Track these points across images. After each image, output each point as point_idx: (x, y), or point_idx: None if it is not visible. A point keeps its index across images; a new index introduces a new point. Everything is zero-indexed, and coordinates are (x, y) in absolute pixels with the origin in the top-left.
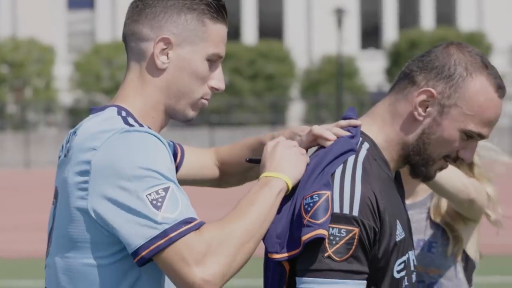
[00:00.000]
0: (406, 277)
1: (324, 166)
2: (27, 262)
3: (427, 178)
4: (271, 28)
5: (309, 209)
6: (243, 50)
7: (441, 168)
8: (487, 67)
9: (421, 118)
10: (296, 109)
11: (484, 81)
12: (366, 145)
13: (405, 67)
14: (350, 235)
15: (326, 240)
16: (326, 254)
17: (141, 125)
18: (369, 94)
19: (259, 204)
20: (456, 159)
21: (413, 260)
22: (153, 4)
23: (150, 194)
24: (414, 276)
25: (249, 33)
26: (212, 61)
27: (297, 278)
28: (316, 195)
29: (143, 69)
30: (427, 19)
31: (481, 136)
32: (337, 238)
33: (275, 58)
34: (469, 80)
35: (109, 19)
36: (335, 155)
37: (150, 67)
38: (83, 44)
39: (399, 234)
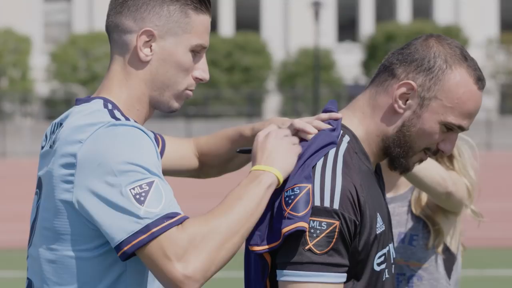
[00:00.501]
0: (386, 270)
1: (305, 159)
2: (7, 253)
3: (406, 169)
4: (248, 20)
5: (290, 201)
6: (220, 42)
7: (420, 160)
8: (466, 59)
9: (401, 111)
10: (272, 102)
11: (463, 73)
12: (346, 138)
13: (385, 60)
14: (331, 228)
15: (307, 233)
16: (306, 247)
17: (127, 119)
18: (346, 87)
19: (247, 198)
20: (436, 152)
21: (393, 253)
22: None
23: (133, 189)
24: (393, 268)
25: (226, 25)
26: (196, 52)
27: (277, 271)
28: (297, 187)
29: (127, 62)
30: (404, 12)
31: (461, 128)
32: (318, 231)
33: (251, 50)
34: (448, 72)
35: (86, 10)
36: (316, 148)
37: (133, 59)
38: (60, 34)
39: (380, 227)
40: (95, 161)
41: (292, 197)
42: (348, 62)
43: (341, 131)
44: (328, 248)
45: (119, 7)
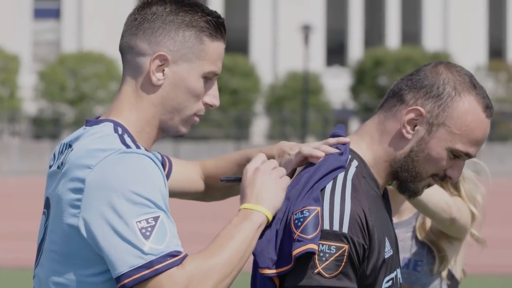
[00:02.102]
0: None
1: (314, 182)
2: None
3: (415, 194)
4: (236, 42)
5: (299, 224)
6: None
7: (428, 185)
8: (475, 87)
9: (409, 136)
10: (260, 125)
11: (472, 101)
12: (355, 163)
13: (394, 86)
14: (340, 251)
15: (316, 257)
16: (316, 271)
17: (137, 147)
18: (334, 111)
19: (239, 238)
20: (443, 178)
21: (400, 278)
22: (151, 19)
23: (140, 222)
24: None
25: None
26: (208, 78)
27: None
28: (306, 210)
29: (139, 84)
30: (393, 38)
31: (469, 156)
32: (327, 255)
33: (240, 72)
34: (457, 99)
35: (75, 30)
36: (325, 171)
37: (145, 82)
38: (48, 54)
39: (388, 251)
40: (103, 188)
41: (302, 219)
42: (336, 86)
43: (350, 156)
44: (337, 272)
45: (134, 29)
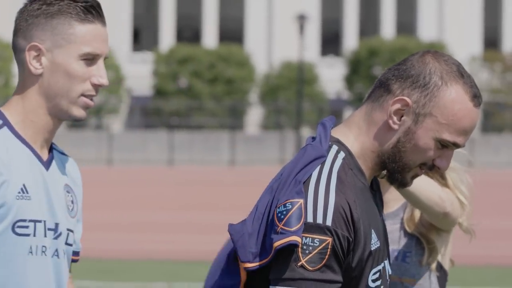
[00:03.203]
0: (382, 286)
1: (295, 173)
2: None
3: (403, 184)
4: (231, 32)
5: (282, 217)
6: (203, 54)
7: (415, 175)
8: (463, 76)
9: (396, 127)
10: (255, 114)
11: (459, 90)
12: (342, 154)
13: (381, 76)
14: (323, 244)
15: (299, 249)
16: (299, 264)
17: None
18: (328, 101)
19: None
20: (431, 168)
21: (388, 270)
22: (25, 17)
23: None
24: (388, 285)
25: (209, 37)
26: (88, 59)
27: (270, 287)
28: (289, 203)
29: (24, 76)
30: (388, 28)
31: (457, 145)
32: (310, 248)
33: (235, 62)
34: (444, 89)
35: None
36: (305, 163)
37: (28, 74)
38: None
39: (374, 243)
40: None
41: (285, 212)
42: (331, 76)
43: (337, 147)
44: (321, 265)
45: (15, 31)
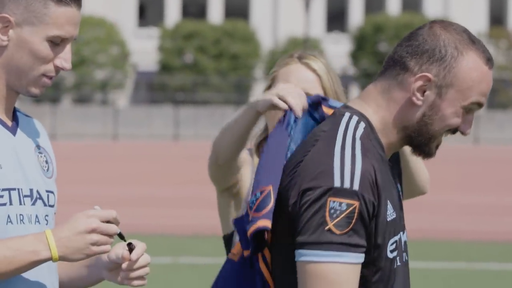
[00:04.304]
0: (398, 257)
1: (262, 163)
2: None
3: (429, 155)
4: (237, 7)
5: (252, 205)
6: (209, 29)
7: (439, 144)
8: (474, 42)
9: (419, 103)
10: (260, 90)
11: (474, 57)
12: (362, 124)
13: (393, 53)
14: (351, 208)
15: (327, 213)
16: (326, 227)
17: None
18: None
19: (11, 261)
20: (455, 131)
21: (405, 242)
22: None
23: None
24: (405, 256)
25: (215, 12)
26: (55, 42)
27: (296, 251)
28: (259, 192)
29: None
30: (393, 4)
31: (480, 105)
32: (338, 212)
33: (240, 38)
34: (460, 59)
35: None
36: (275, 149)
37: None
38: None
39: (390, 214)
40: None
41: (254, 201)
42: (337, 52)
43: (357, 117)
44: (348, 229)
45: None
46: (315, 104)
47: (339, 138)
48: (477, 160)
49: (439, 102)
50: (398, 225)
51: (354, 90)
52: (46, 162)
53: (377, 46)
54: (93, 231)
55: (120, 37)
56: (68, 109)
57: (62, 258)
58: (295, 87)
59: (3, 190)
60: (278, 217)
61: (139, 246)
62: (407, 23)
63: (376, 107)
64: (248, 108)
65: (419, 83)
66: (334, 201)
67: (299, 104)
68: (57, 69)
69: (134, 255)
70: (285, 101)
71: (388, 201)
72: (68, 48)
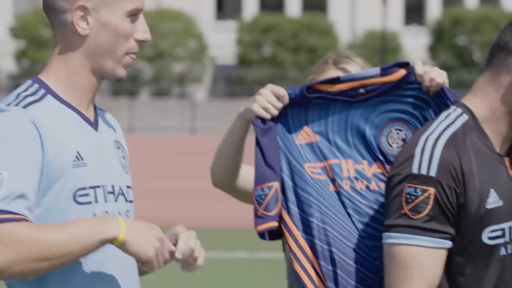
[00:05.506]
0: (502, 246)
1: (260, 158)
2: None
3: None
4: (315, 1)
5: (261, 201)
6: (287, 22)
7: None
8: None
9: None
10: None
11: None
12: (463, 118)
13: (497, 40)
14: (425, 194)
15: (403, 198)
16: (402, 211)
17: (27, 105)
18: None
19: (74, 235)
20: None
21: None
22: None
23: None
24: (510, 247)
25: (293, 5)
26: (133, 15)
27: (382, 234)
28: (267, 187)
29: (67, 39)
30: None
31: None
32: (413, 197)
33: (318, 31)
34: None
35: None
36: (270, 145)
37: (73, 36)
38: None
39: (493, 202)
40: None
41: (263, 196)
42: (415, 45)
43: (460, 110)
44: (424, 214)
45: None
46: (302, 94)
47: (430, 128)
48: None
49: None
50: (505, 213)
51: None
52: (124, 157)
53: (455, 39)
54: (161, 241)
55: (198, 30)
56: (146, 102)
57: (125, 244)
58: (271, 89)
59: (89, 188)
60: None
61: (182, 238)
62: (485, 16)
63: (483, 96)
64: (236, 119)
65: None
66: (410, 187)
67: (269, 108)
68: (139, 42)
69: (178, 253)
70: (263, 107)
71: (493, 189)
72: (143, 20)
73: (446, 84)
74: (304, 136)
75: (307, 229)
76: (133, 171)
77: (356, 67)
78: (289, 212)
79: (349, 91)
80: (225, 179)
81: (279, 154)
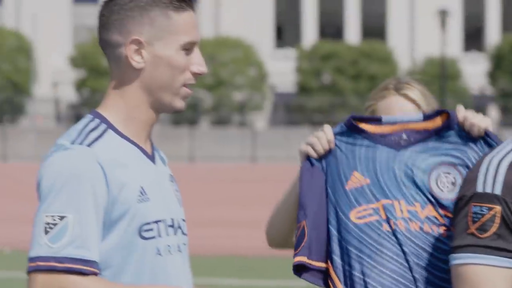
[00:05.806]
0: None
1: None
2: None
3: None
4: (374, 28)
5: (294, 243)
6: (346, 50)
7: None
8: None
9: None
10: None
11: None
12: None
13: None
14: (492, 212)
15: (469, 218)
16: (469, 231)
17: (91, 142)
18: (472, 97)
19: None
20: None
21: None
22: (116, 10)
23: (47, 217)
24: None
25: (352, 33)
26: (187, 49)
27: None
28: (296, 229)
29: (122, 73)
30: None
31: None
32: (479, 216)
33: (377, 58)
34: None
35: (212, 14)
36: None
37: (128, 69)
38: None
39: None
40: (39, 180)
41: (294, 238)
42: (474, 72)
43: None
44: (491, 233)
45: (106, 25)
46: (350, 126)
47: (493, 152)
48: None
49: None
50: None
51: (493, 110)
52: (177, 190)
53: None
54: None
55: (258, 58)
56: (206, 131)
57: None
58: (326, 131)
59: (153, 222)
60: None
61: None
62: None
63: None
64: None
65: None
66: (476, 206)
67: (317, 145)
68: (195, 75)
69: None
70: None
71: None
72: (198, 52)
73: (490, 129)
74: (354, 180)
75: (349, 282)
76: (193, 199)
77: (416, 92)
78: (333, 265)
79: (392, 135)
80: (282, 240)
81: (329, 206)
